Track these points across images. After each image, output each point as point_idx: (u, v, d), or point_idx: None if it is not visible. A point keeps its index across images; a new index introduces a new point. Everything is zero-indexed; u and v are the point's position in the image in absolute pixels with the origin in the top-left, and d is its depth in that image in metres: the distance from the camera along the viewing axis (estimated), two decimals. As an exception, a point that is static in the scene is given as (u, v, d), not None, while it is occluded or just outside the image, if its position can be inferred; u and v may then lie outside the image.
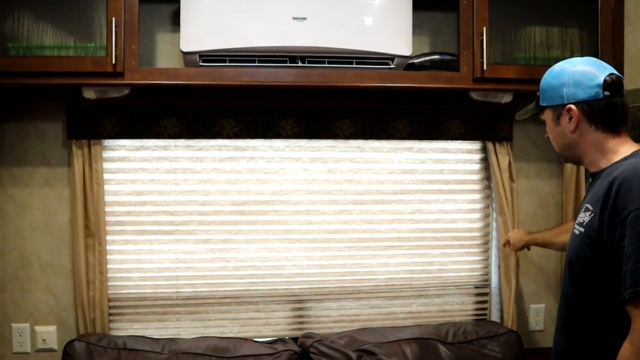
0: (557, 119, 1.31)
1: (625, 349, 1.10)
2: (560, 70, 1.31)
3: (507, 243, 2.00)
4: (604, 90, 1.24)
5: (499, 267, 2.21)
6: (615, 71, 1.28)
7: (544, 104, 1.33)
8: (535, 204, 2.32)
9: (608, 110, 1.25)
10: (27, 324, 2.01)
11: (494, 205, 2.24)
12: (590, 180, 1.35)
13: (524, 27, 2.00)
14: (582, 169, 2.20)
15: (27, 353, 2.01)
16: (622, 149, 1.26)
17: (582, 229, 1.24)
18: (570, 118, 1.27)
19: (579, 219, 1.27)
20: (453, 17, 1.97)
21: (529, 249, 2.01)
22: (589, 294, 1.23)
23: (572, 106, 1.26)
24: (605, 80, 1.25)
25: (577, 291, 1.27)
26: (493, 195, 2.23)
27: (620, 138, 1.27)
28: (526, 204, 2.30)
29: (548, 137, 1.39)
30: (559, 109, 1.29)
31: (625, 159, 1.23)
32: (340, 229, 2.17)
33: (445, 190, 2.24)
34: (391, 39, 1.87)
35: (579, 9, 2.04)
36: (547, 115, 1.34)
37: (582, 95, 1.25)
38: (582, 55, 2.00)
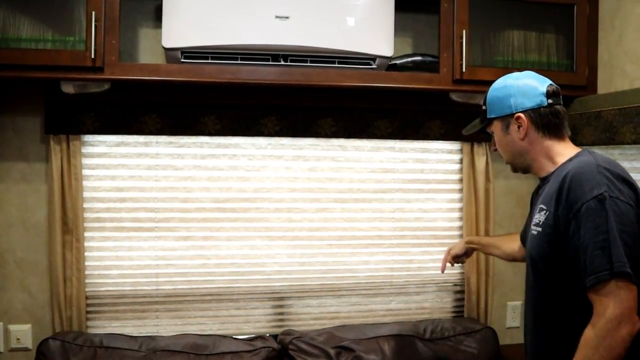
0: (507, 128, 1.35)
1: (588, 331, 1.13)
2: (504, 83, 1.37)
3: (447, 258, 1.86)
4: (547, 98, 1.32)
5: (476, 267, 2.25)
6: (552, 82, 1.36)
7: (492, 116, 1.38)
8: (513, 204, 2.37)
9: (553, 117, 1.32)
10: (1, 323, 1.98)
11: (460, 205, 2.28)
12: (539, 184, 1.39)
13: (503, 31, 2.04)
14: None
15: (0, 353, 1.97)
16: (567, 151, 1.32)
17: (539, 229, 1.27)
18: (519, 126, 1.33)
19: (535, 220, 1.31)
20: (435, 20, 2.00)
21: (468, 256, 1.89)
22: (556, 290, 1.25)
23: (521, 114, 1.32)
24: (547, 89, 1.32)
25: (544, 290, 1.29)
26: (459, 196, 2.27)
27: (564, 142, 1.34)
28: (504, 204, 2.35)
29: (496, 150, 1.43)
30: (507, 118, 1.35)
31: (571, 159, 1.29)
32: (322, 227, 2.19)
33: (425, 189, 2.27)
34: (373, 39, 1.89)
35: (556, 15, 2.09)
36: (496, 127, 1.38)
37: (529, 103, 1.32)
38: (557, 59, 2.09)
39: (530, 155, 1.35)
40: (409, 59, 2.11)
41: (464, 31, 1.93)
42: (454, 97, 2.08)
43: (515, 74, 1.38)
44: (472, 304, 2.26)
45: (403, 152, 2.24)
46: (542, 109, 1.32)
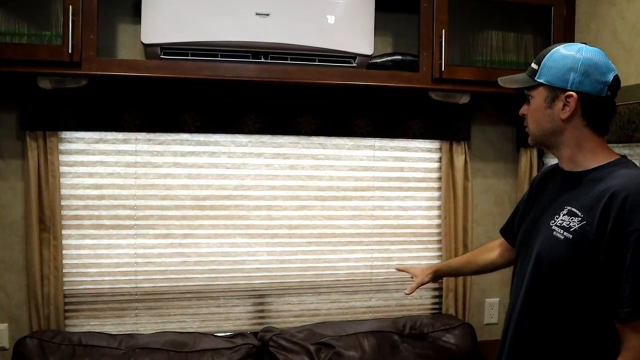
0: (552, 101, 1.20)
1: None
2: (572, 54, 1.19)
3: (414, 288, 1.77)
4: (608, 90, 1.17)
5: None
6: (617, 73, 1.20)
7: (541, 80, 1.21)
8: (492, 202, 2.41)
9: (605, 111, 1.19)
10: (-23, 322, 1.95)
11: (439, 203, 2.30)
12: (558, 175, 1.29)
13: (482, 31, 2.07)
14: (535, 167, 2.29)
15: (-24, 351, 1.95)
16: (601, 152, 1.21)
17: (568, 235, 1.15)
18: (566, 105, 1.18)
19: (559, 222, 1.18)
20: (415, 19, 2.02)
21: (434, 281, 1.85)
22: (569, 300, 1.16)
23: (575, 95, 1.17)
24: (612, 79, 1.18)
25: (557, 295, 1.18)
26: (438, 194, 2.30)
27: (602, 141, 1.22)
28: (483, 203, 2.38)
29: (524, 115, 1.28)
30: (557, 91, 1.19)
31: (610, 165, 1.18)
32: (301, 225, 2.20)
33: (404, 187, 2.29)
34: (353, 37, 1.90)
35: (534, 16, 2.12)
36: (540, 94, 1.22)
37: (588, 87, 1.16)
38: (534, 59, 2.12)
39: (563, 140, 1.21)
40: (389, 58, 2.12)
41: (444, 31, 1.95)
42: (433, 95, 2.10)
43: (588, 49, 1.20)
44: (450, 301, 2.29)
45: (383, 151, 2.26)
46: (598, 98, 1.17)
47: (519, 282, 1.29)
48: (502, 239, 1.57)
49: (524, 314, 1.25)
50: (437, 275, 1.77)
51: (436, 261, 2.32)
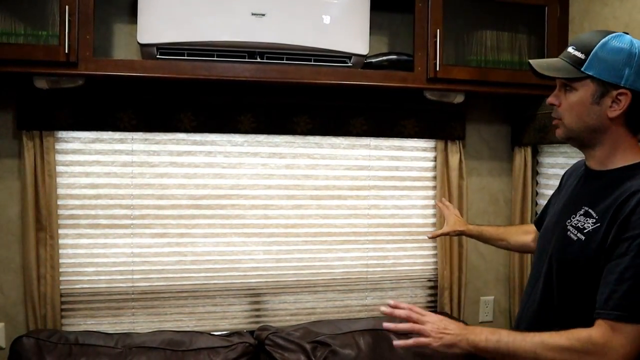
0: (600, 96, 1.11)
1: (588, 337, 1.05)
2: (629, 47, 1.10)
3: (438, 234, 1.79)
4: None
5: (449, 262, 2.30)
6: None
7: (590, 73, 1.11)
8: (486, 201, 2.42)
9: None
10: (-27, 322, 1.95)
11: (434, 202, 2.31)
12: (583, 171, 1.25)
13: (476, 31, 2.09)
14: (530, 166, 2.31)
15: (-27, 351, 1.95)
16: (631, 153, 1.16)
17: (581, 236, 1.13)
18: (614, 103, 1.11)
19: (575, 222, 1.16)
20: (410, 19, 2.03)
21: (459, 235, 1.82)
22: (576, 303, 1.14)
23: (629, 93, 1.09)
24: None
25: (565, 297, 1.17)
26: (433, 193, 2.32)
27: (635, 141, 1.16)
28: (477, 201, 2.40)
29: (555, 105, 1.20)
30: (608, 87, 1.10)
31: (636, 167, 1.14)
32: (297, 224, 2.21)
33: (400, 186, 2.30)
34: (349, 37, 1.91)
35: (528, 16, 2.14)
36: (587, 88, 1.13)
37: None
38: (529, 59, 2.11)
39: (603, 138, 1.15)
40: (384, 58, 2.14)
41: (438, 31, 1.96)
42: (428, 95, 2.11)
43: (638, 42, 1.12)
44: (445, 299, 2.30)
45: (378, 150, 2.27)
46: None
47: (534, 278, 1.28)
48: None
49: (536, 314, 1.23)
50: (465, 234, 1.75)
51: (430, 260, 2.35)
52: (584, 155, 1.24)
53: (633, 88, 1.09)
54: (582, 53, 1.13)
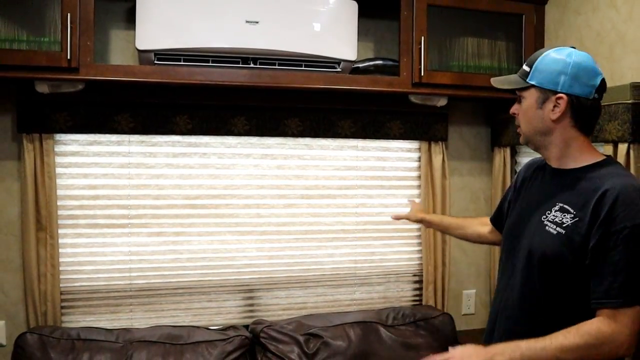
0: (542, 102, 1.26)
1: (597, 330, 1.15)
2: (563, 58, 1.25)
3: (401, 216, 1.89)
4: (595, 92, 1.24)
5: (433, 257, 2.41)
6: (604, 77, 1.27)
7: (532, 82, 1.27)
8: (468, 199, 2.54)
9: (592, 112, 1.26)
10: (-26, 320, 1.99)
11: (419, 200, 2.39)
12: (544, 171, 1.35)
13: (458, 38, 2.19)
14: (509, 165, 2.43)
15: (-26, 348, 1.99)
16: (587, 152, 1.28)
17: (561, 230, 1.22)
18: (555, 107, 1.25)
19: (552, 217, 1.25)
20: (396, 26, 2.13)
21: (419, 223, 1.96)
22: (562, 294, 1.23)
23: (565, 97, 1.23)
24: (600, 83, 1.25)
25: (550, 289, 1.25)
26: (418, 192, 2.42)
27: (587, 140, 1.29)
28: (459, 199, 2.52)
29: (515, 114, 1.34)
30: (548, 93, 1.25)
31: (599, 165, 1.25)
32: (289, 222, 2.30)
33: (386, 185, 2.41)
34: (338, 44, 2.00)
35: (506, 24, 2.25)
36: (531, 95, 1.28)
37: (578, 90, 1.23)
38: (507, 64, 2.23)
39: (552, 139, 1.28)
40: (371, 63, 2.24)
41: (423, 38, 2.06)
42: (413, 99, 2.22)
43: (577, 53, 1.26)
44: (430, 293, 2.41)
45: (365, 151, 2.37)
46: (586, 100, 1.24)
47: (506, 275, 1.36)
48: None
49: (518, 308, 1.30)
50: (425, 220, 1.86)
51: (415, 255, 2.45)
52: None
53: (570, 92, 1.24)
54: (528, 66, 1.29)
